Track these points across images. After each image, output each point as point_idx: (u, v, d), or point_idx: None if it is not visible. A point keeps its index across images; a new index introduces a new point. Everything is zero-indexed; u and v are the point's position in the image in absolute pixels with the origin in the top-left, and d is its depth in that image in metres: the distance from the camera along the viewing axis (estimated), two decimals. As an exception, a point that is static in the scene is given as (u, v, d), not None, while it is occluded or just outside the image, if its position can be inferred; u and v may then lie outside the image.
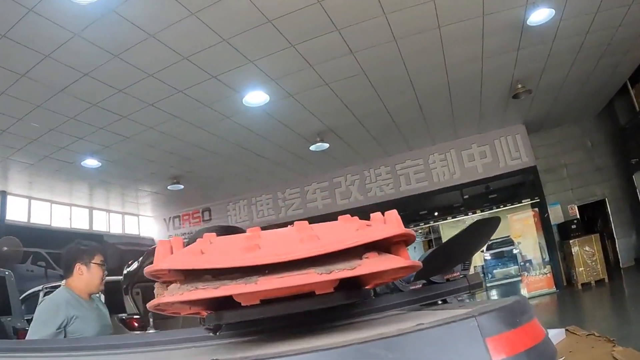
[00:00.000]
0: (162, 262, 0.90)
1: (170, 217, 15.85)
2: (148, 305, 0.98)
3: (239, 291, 0.83)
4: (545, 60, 9.31)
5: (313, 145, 11.35)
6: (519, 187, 13.24)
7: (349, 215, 1.11)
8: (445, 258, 1.35)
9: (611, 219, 13.42)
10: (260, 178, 13.69)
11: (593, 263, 11.78)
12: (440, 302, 1.24)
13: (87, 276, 2.98)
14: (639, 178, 12.33)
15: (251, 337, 1.12)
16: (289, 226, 1.07)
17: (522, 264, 12.40)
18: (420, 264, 1.03)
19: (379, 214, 1.13)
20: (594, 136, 13.64)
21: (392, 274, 1.08)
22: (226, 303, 0.93)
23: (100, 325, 2.99)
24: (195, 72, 7.50)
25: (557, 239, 12.98)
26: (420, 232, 14.11)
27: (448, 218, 12.94)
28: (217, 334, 1.15)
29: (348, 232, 0.95)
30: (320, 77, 8.34)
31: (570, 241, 11.90)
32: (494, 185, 12.96)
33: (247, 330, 1.15)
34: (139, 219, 16.18)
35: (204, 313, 1.08)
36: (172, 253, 0.95)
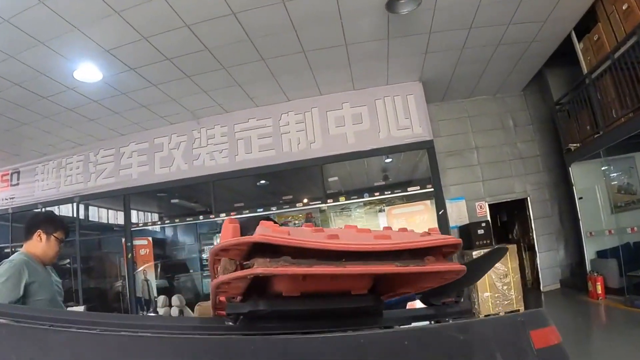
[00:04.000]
0: (258, 235, 0.72)
1: (-22, 178, 10.23)
2: (228, 276, 0.76)
3: (331, 272, 0.73)
4: None
5: (77, 71, 5.90)
6: (406, 169, 7.93)
7: (405, 227, 0.95)
8: (459, 280, 1.01)
9: (533, 225, 8.20)
10: (65, 133, 8.09)
11: (505, 287, 6.58)
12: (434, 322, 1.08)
13: (44, 245, 2.61)
14: (578, 170, 7.14)
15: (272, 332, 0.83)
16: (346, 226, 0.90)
17: (399, 281, 7.14)
18: (465, 268, 0.89)
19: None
20: (518, 115, 8.23)
21: (440, 277, 0.93)
22: (262, 291, 0.81)
23: (54, 291, 2.64)
24: None
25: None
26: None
27: (298, 205, 7.12)
28: (237, 323, 0.90)
29: (414, 236, 0.86)
30: None
31: (474, 252, 6.71)
32: (369, 163, 7.57)
33: (269, 325, 0.87)
34: None
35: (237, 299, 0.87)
36: (239, 232, 0.80)
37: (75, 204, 8.61)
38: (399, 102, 6.88)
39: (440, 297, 1.05)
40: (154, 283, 7.93)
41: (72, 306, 8.12)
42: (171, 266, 8.70)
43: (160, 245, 8.91)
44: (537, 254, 7.99)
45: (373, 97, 6.95)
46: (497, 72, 7.23)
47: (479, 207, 8.04)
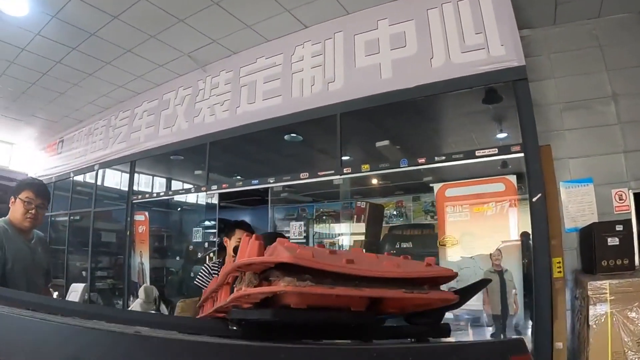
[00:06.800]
0: (291, 256, 0.75)
1: (44, 147, 9.71)
2: (257, 290, 0.81)
3: (349, 294, 0.79)
4: None
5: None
6: (476, 119, 4.86)
7: (409, 256, 1.01)
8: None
9: None
10: (79, 94, 6.75)
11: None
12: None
13: (13, 209, 2.49)
14: None
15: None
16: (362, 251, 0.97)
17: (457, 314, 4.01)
18: (458, 298, 0.97)
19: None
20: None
21: (431, 304, 0.99)
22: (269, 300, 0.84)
23: (26, 265, 2.42)
24: None
25: (578, 265, 4.52)
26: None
27: (303, 176, 4.35)
28: (239, 328, 0.96)
29: (418, 266, 0.93)
30: None
31: (590, 285, 3.25)
32: (413, 108, 4.66)
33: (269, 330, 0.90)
34: (12, 147, 10.29)
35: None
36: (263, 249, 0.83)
37: (95, 172, 7.37)
38: (465, 8, 3.99)
39: (422, 318, 1.02)
40: (147, 267, 6.17)
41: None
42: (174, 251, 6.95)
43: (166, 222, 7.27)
44: None
45: (424, 7, 4.18)
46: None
47: (617, 197, 4.61)
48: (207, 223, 9.49)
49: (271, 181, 4.70)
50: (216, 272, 3.24)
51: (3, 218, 2.51)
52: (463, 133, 5.42)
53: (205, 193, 5.40)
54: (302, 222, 6.43)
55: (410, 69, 4.09)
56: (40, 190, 2.58)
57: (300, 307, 0.79)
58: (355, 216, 4.96)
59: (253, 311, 0.85)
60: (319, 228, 6.49)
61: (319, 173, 4.36)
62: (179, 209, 7.17)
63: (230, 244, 3.25)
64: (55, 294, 5.37)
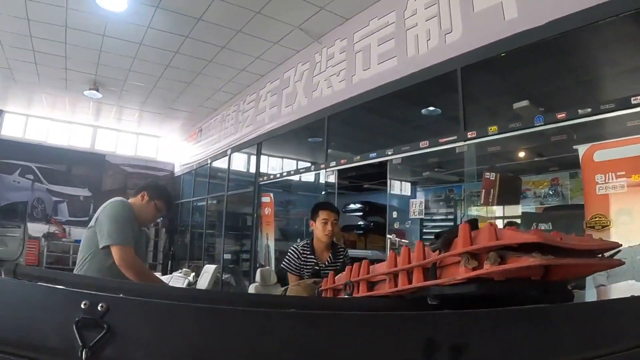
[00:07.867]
0: (549, 236, 0.89)
1: (187, 137, 10.94)
2: (499, 268, 0.88)
3: (579, 263, 0.94)
4: None
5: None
6: (629, 65, 4.06)
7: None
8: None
9: None
10: (206, 82, 7.53)
11: None
12: None
13: (143, 205, 2.77)
14: None
15: None
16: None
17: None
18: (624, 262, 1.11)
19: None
20: None
21: (592, 271, 1.30)
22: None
23: (141, 245, 2.79)
24: None
25: None
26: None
27: (423, 144, 4.08)
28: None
29: (592, 240, 1.10)
30: None
31: None
32: (546, 54, 3.92)
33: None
34: (158, 140, 11.75)
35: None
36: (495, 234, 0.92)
37: (228, 157, 8.10)
38: None
39: (555, 288, 1.07)
40: (272, 250, 6.51)
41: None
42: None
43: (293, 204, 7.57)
44: None
45: None
46: None
47: None
48: (352, 206, 9.52)
49: (389, 153, 4.62)
50: (305, 254, 3.23)
51: (127, 200, 2.74)
52: (613, 86, 4.71)
53: (324, 171, 5.55)
54: (423, 200, 6.20)
55: (538, 3, 3.67)
56: (169, 206, 2.97)
57: (500, 279, 0.91)
58: (483, 191, 4.39)
59: (462, 286, 0.96)
60: (469, 210, 6.24)
61: (440, 140, 4.17)
62: (323, 192, 7.46)
63: (316, 226, 3.24)
64: (192, 275, 5.94)
